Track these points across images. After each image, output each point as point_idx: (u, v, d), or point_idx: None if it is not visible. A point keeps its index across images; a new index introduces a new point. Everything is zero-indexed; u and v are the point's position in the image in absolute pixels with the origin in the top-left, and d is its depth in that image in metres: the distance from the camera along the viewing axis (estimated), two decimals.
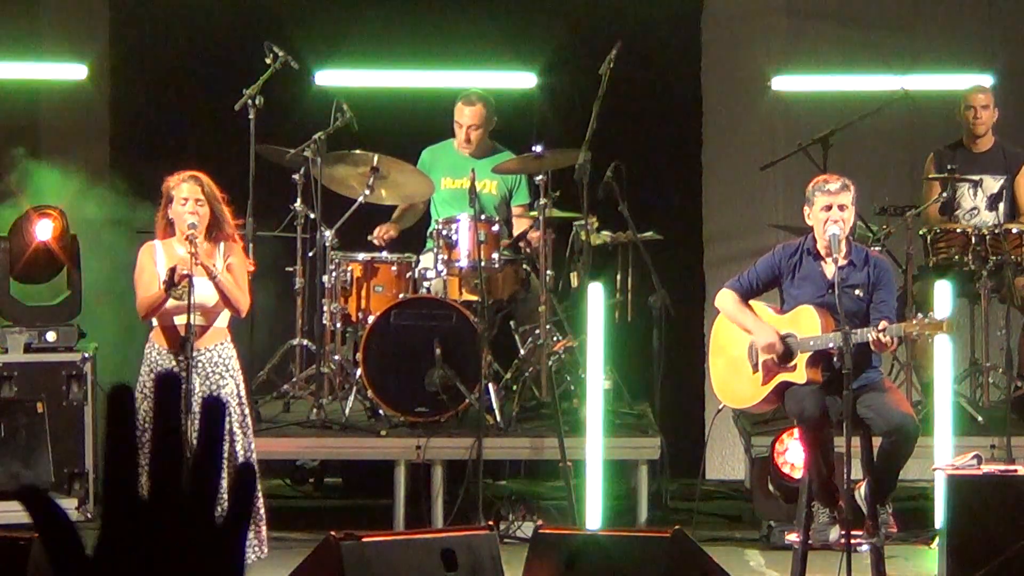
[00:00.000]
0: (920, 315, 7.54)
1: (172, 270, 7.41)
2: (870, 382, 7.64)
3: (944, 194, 9.68)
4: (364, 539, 6.77)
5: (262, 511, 7.63)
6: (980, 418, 9.34)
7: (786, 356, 7.66)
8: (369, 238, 9.73)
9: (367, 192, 9.52)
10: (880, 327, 7.39)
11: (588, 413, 8.94)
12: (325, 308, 9.42)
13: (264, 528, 7.65)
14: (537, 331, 9.34)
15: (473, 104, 9.83)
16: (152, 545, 1.82)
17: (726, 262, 10.60)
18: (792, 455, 8.79)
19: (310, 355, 9.62)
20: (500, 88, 10.36)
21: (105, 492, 1.84)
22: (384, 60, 10.64)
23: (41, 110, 10.92)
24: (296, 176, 9.45)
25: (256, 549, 7.60)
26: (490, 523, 8.05)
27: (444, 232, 9.35)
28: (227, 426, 7.51)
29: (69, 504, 8.79)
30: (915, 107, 10.24)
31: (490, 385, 9.15)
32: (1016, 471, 7.87)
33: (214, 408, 1.88)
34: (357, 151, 9.58)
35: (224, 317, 7.60)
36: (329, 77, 10.52)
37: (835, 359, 7.47)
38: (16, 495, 1.83)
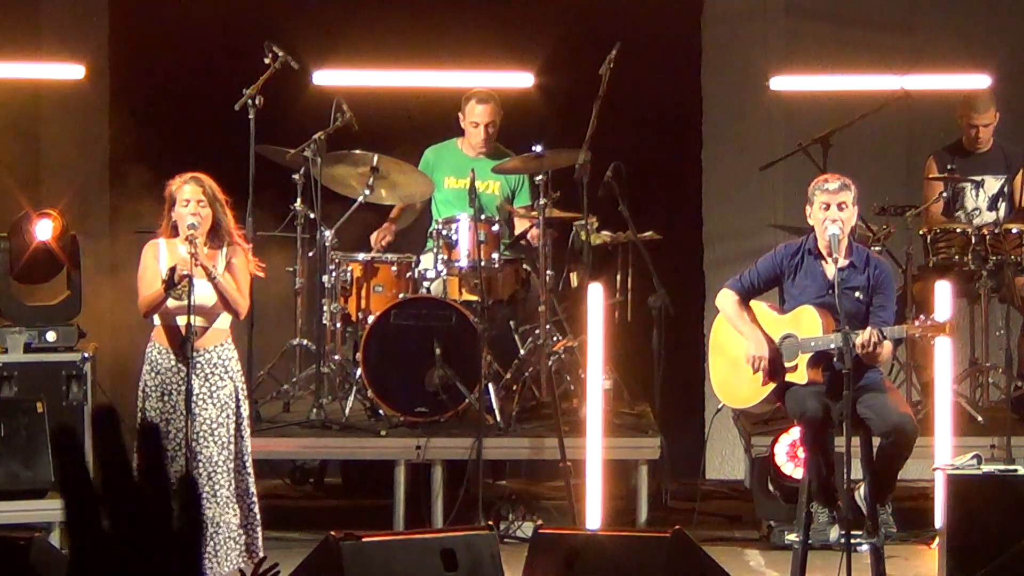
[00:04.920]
0: (922, 317, 7.53)
1: (172, 270, 7.42)
2: (870, 382, 7.63)
3: (944, 193, 9.68)
4: (364, 539, 6.77)
5: (258, 516, 7.60)
6: (980, 418, 9.34)
7: (771, 372, 7.67)
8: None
9: (367, 192, 9.52)
10: (861, 339, 7.32)
11: (588, 413, 8.93)
12: (325, 308, 9.41)
13: (260, 533, 7.62)
14: (537, 331, 9.34)
15: (487, 102, 9.84)
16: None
17: (726, 262, 10.59)
18: (792, 455, 8.78)
19: (310, 355, 9.62)
20: (499, 88, 10.34)
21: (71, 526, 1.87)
22: (384, 60, 10.63)
23: (41, 110, 10.91)
24: (296, 176, 9.44)
25: (255, 555, 7.58)
26: (490, 523, 8.05)
27: (444, 232, 9.35)
28: (227, 429, 7.53)
29: None
30: (915, 107, 10.23)
31: (490, 385, 9.14)
32: (1016, 471, 7.87)
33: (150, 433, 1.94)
34: (357, 151, 9.57)
35: (225, 319, 7.60)
36: (328, 77, 10.51)
37: (836, 360, 7.46)
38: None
